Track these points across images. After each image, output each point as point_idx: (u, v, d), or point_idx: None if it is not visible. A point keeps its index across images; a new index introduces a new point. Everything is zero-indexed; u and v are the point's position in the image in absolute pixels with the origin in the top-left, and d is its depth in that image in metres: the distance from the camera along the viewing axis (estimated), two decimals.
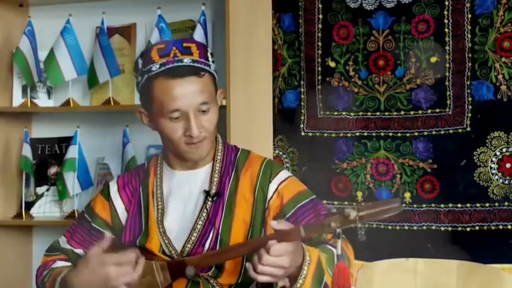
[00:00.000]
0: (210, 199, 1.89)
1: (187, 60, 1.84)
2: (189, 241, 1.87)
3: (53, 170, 3.08)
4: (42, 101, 3.08)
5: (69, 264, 1.98)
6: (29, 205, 3.05)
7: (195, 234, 1.87)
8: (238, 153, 1.98)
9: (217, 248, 1.85)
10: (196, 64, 1.85)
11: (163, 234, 1.89)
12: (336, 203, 2.71)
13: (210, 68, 1.88)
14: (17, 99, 3.06)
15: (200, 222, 1.88)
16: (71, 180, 2.91)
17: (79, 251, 2.00)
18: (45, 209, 3.06)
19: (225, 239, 1.86)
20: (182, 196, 1.93)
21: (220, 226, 1.86)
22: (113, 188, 2.01)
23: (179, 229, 1.90)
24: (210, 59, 1.90)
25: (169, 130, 1.85)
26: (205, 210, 1.88)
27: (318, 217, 1.87)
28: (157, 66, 1.84)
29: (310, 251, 1.70)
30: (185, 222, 1.90)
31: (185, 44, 1.87)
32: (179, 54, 1.84)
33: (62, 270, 1.90)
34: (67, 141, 3.00)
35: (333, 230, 1.58)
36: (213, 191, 1.90)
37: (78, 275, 1.78)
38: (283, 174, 1.94)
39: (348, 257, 1.84)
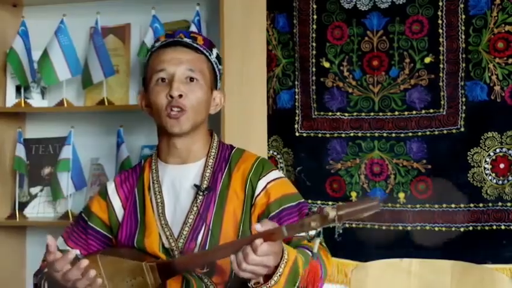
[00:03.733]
0: (201, 193, 1.90)
1: (187, 39, 1.94)
2: (181, 236, 1.88)
3: (47, 171, 3.07)
4: (36, 101, 3.07)
5: None
6: (23, 206, 3.04)
7: (186, 229, 1.88)
8: (233, 151, 1.99)
9: (208, 242, 1.86)
10: (194, 44, 1.94)
11: (164, 227, 1.90)
12: (330, 203, 2.71)
13: (209, 55, 1.96)
14: (11, 100, 3.05)
15: (191, 217, 1.89)
16: (65, 180, 2.90)
17: (76, 251, 1.99)
18: (39, 209, 3.05)
19: (215, 234, 1.87)
20: (174, 190, 1.94)
21: (211, 221, 1.87)
22: (111, 186, 2.03)
23: (173, 223, 1.91)
24: (214, 53, 1.98)
25: (154, 95, 1.91)
26: (195, 205, 1.89)
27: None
28: (159, 43, 1.96)
29: (289, 251, 1.71)
30: (178, 217, 1.91)
31: (192, 34, 1.98)
32: (183, 36, 1.95)
33: None
34: (60, 141, 3.00)
35: (314, 229, 1.57)
36: (204, 186, 1.90)
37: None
38: (275, 173, 1.95)
39: (325, 266, 1.85)
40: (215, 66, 1.98)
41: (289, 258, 1.70)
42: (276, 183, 1.92)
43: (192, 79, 1.91)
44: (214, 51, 1.99)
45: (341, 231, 1.54)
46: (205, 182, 1.91)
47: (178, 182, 1.94)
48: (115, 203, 2.00)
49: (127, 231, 1.95)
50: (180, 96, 1.88)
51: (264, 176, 1.92)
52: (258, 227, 1.63)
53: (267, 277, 1.68)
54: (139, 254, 1.90)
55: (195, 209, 1.89)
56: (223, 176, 1.93)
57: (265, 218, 1.85)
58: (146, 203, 1.95)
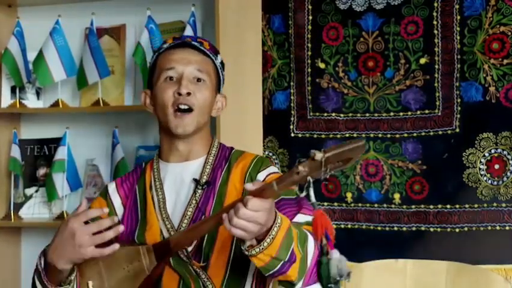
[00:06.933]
0: (200, 187, 1.92)
1: (194, 43, 1.99)
2: (180, 228, 1.90)
3: (42, 171, 3.07)
4: (31, 101, 3.07)
5: None
6: (18, 206, 3.04)
7: (185, 221, 1.90)
8: (233, 151, 2.03)
9: (206, 235, 1.86)
10: (201, 47, 1.98)
11: (165, 219, 1.92)
12: (325, 204, 2.71)
13: (214, 59, 2.00)
14: (6, 100, 3.05)
15: (190, 209, 1.91)
16: (60, 181, 2.90)
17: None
18: (34, 210, 3.04)
19: None
20: (175, 186, 1.97)
21: (210, 214, 1.88)
22: (111, 186, 2.06)
23: (173, 216, 1.93)
24: (219, 59, 2.03)
25: (161, 92, 1.94)
26: (195, 198, 1.91)
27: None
28: (167, 45, 2.00)
29: (282, 218, 1.69)
30: (177, 210, 1.93)
31: (199, 39, 2.03)
32: (190, 40, 2.00)
33: None
34: (56, 142, 2.99)
35: (304, 179, 1.54)
36: (203, 180, 1.93)
37: (51, 243, 1.79)
38: (273, 169, 1.97)
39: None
40: (219, 70, 2.03)
41: (283, 224, 1.68)
42: (275, 176, 1.92)
43: (199, 79, 1.95)
44: (219, 57, 2.04)
45: (328, 176, 1.53)
46: (205, 177, 1.94)
47: (179, 178, 1.97)
48: (115, 202, 2.02)
49: (126, 228, 1.96)
50: (188, 94, 1.91)
51: (263, 169, 1.94)
52: (249, 186, 1.61)
53: (260, 242, 1.66)
54: (138, 244, 1.91)
55: (194, 202, 1.91)
56: (223, 173, 1.95)
57: (255, 181, 1.82)
58: (148, 201, 1.97)
